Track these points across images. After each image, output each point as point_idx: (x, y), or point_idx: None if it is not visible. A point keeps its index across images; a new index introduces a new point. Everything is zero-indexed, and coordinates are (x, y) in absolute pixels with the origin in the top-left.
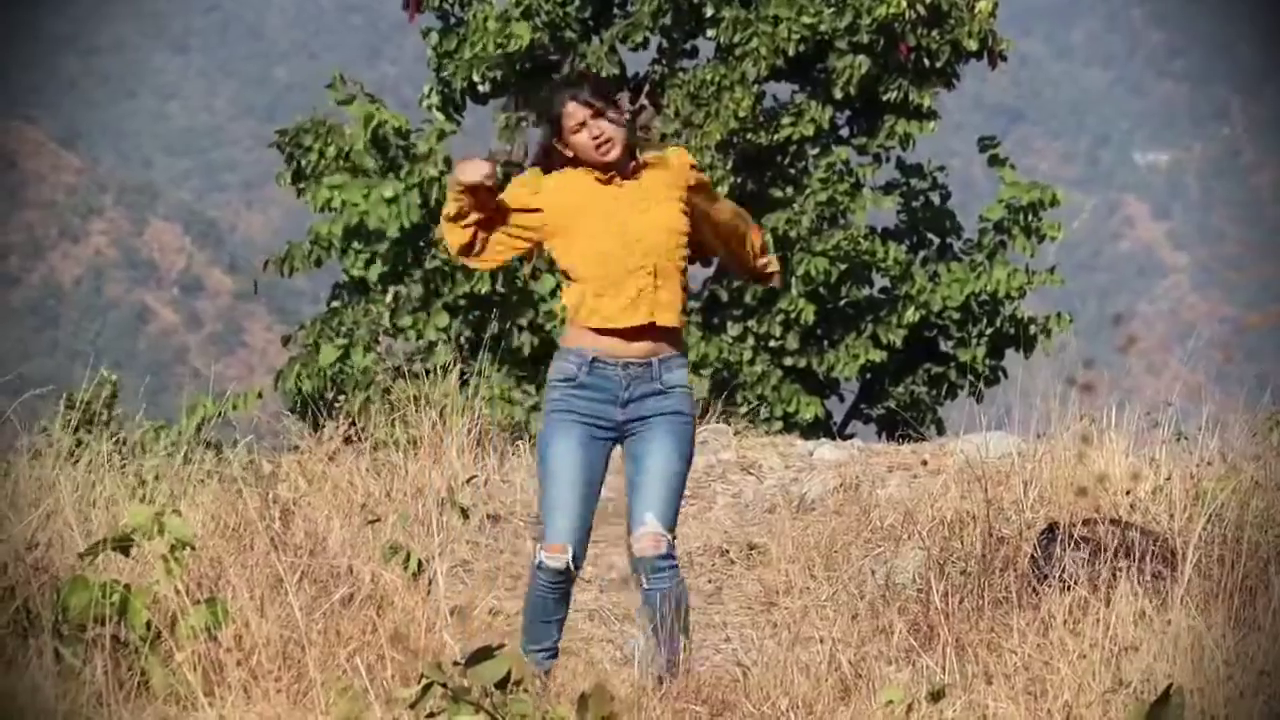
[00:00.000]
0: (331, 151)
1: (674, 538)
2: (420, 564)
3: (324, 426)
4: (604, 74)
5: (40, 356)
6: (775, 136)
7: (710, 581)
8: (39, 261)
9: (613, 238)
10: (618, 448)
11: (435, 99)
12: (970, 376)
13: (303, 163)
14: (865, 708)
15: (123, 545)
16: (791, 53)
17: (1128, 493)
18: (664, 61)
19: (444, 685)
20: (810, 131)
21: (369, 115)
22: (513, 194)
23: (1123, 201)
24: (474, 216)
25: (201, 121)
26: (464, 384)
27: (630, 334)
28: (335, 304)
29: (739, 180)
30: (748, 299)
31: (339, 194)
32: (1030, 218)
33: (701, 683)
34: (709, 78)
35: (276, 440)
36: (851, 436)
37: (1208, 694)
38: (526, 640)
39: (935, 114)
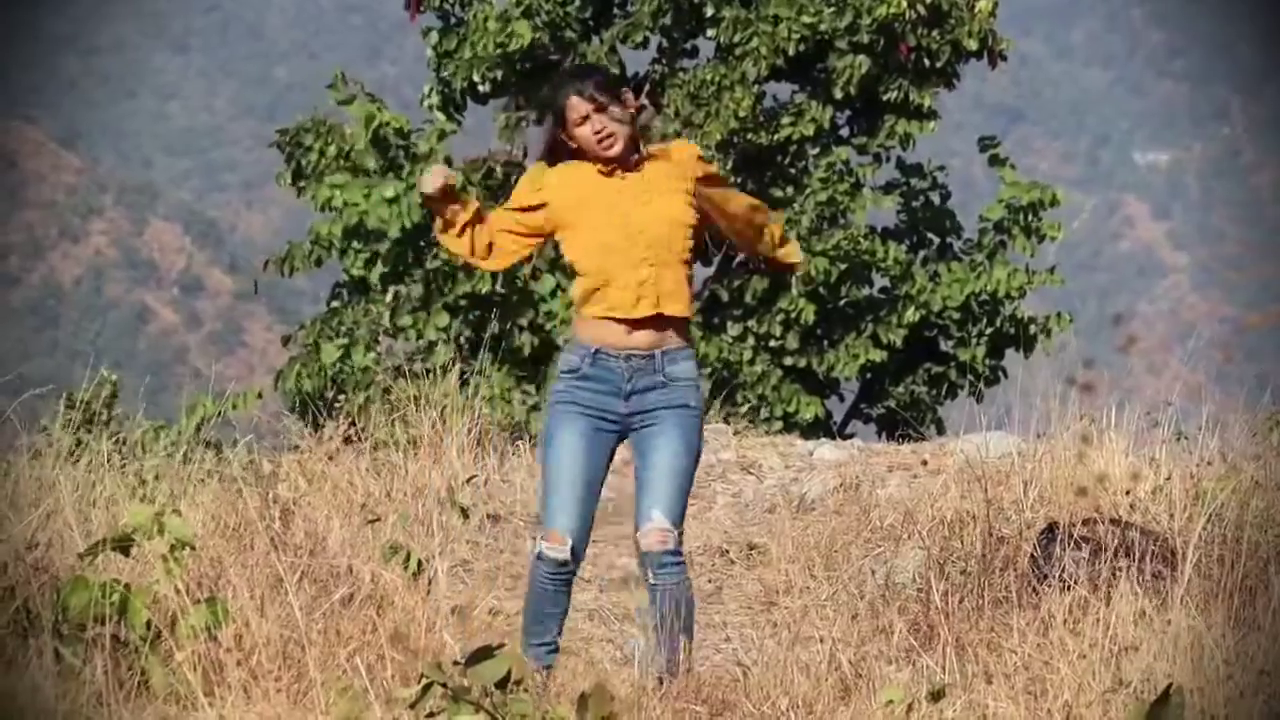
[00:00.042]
0: (332, 151)
1: (681, 533)
2: (420, 564)
3: (324, 426)
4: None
5: (40, 356)
6: (775, 136)
7: (710, 581)
8: (39, 261)
9: (615, 230)
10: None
11: (435, 99)
12: (970, 376)
13: (303, 162)
14: (865, 707)
15: (123, 545)
16: (792, 52)
17: (1128, 492)
18: (664, 61)
19: (444, 685)
20: (810, 131)
21: (370, 115)
22: (517, 194)
23: (1123, 201)
24: (461, 219)
25: (201, 121)
26: (464, 384)
27: (633, 325)
28: (335, 304)
29: (739, 180)
30: (748, 299)
31: (340, 193)
32: (1030, 218)
33: (701, 682)
34: (709, 77)
35: (276, 440)
36: (851, 436)
37: (1208, 693)
38: (526, 635)
39: (935, 114)
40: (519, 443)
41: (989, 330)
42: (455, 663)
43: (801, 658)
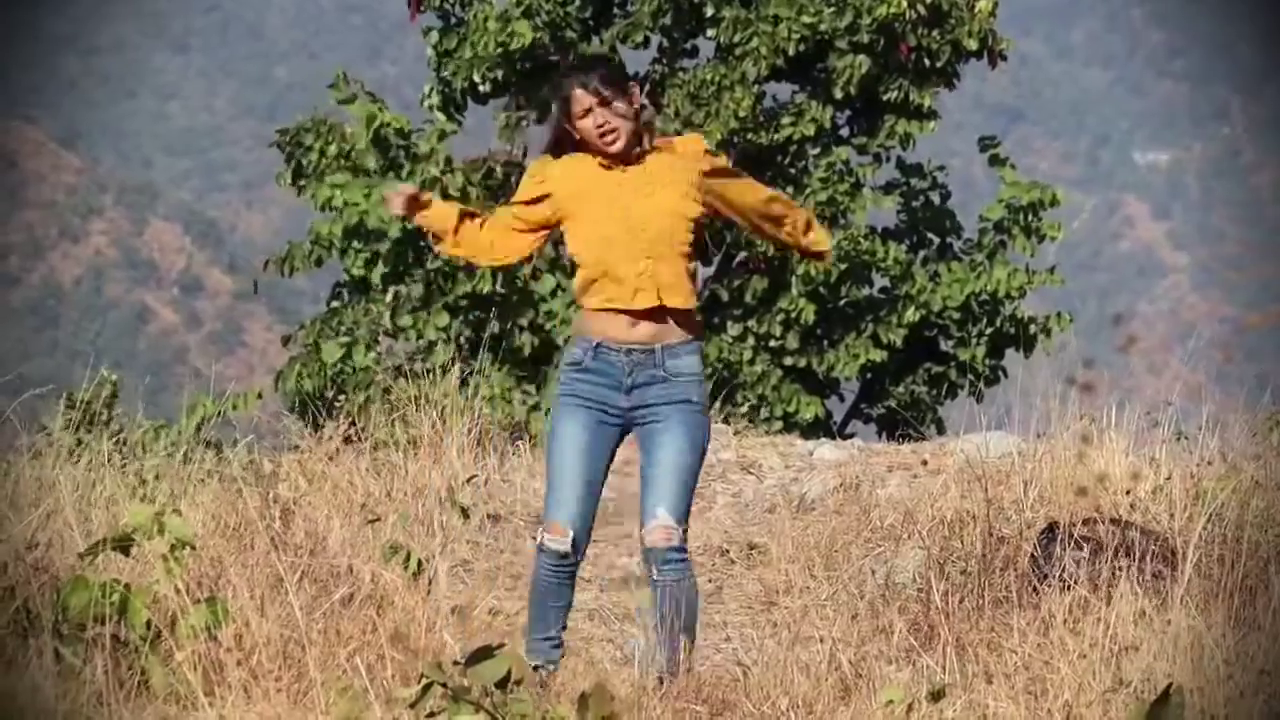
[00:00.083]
0: (333, 151)
1: (686, 530)
2: (420, 564)
3: (324, 426)
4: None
5: (40, 356)
6: (775, 136)
7: (710, 581)
8: (39, 261)
9: (615, 222)
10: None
11: (436, 99)
12: (970, 376)
13: (304, 162)
14: (865, 707)
15: (123, 545)
16: (792, 52)
17: (1128, 492)
18: (664, 61)
19: (444, 685)
20: (810, 131)
21: (370, 115)
22: (521, 187)
23: (1123, 201)
24: (449, 224)
25: (201, 121)
26: (464, 384)
27: (634, 318)
28: (335, 304)
29: None
30: (748, 298)
31: (340, 193)
32: (1030, 217)
33: (702, 682)
34: (709, 77)
35: (277, 440)
36: (852, 436)
37: (1208, 693)
38: (531, 629)
39: (935, 114)
40: (519, 443)
41: (989, 330)
42: (455, 663)
43: (802, 657)
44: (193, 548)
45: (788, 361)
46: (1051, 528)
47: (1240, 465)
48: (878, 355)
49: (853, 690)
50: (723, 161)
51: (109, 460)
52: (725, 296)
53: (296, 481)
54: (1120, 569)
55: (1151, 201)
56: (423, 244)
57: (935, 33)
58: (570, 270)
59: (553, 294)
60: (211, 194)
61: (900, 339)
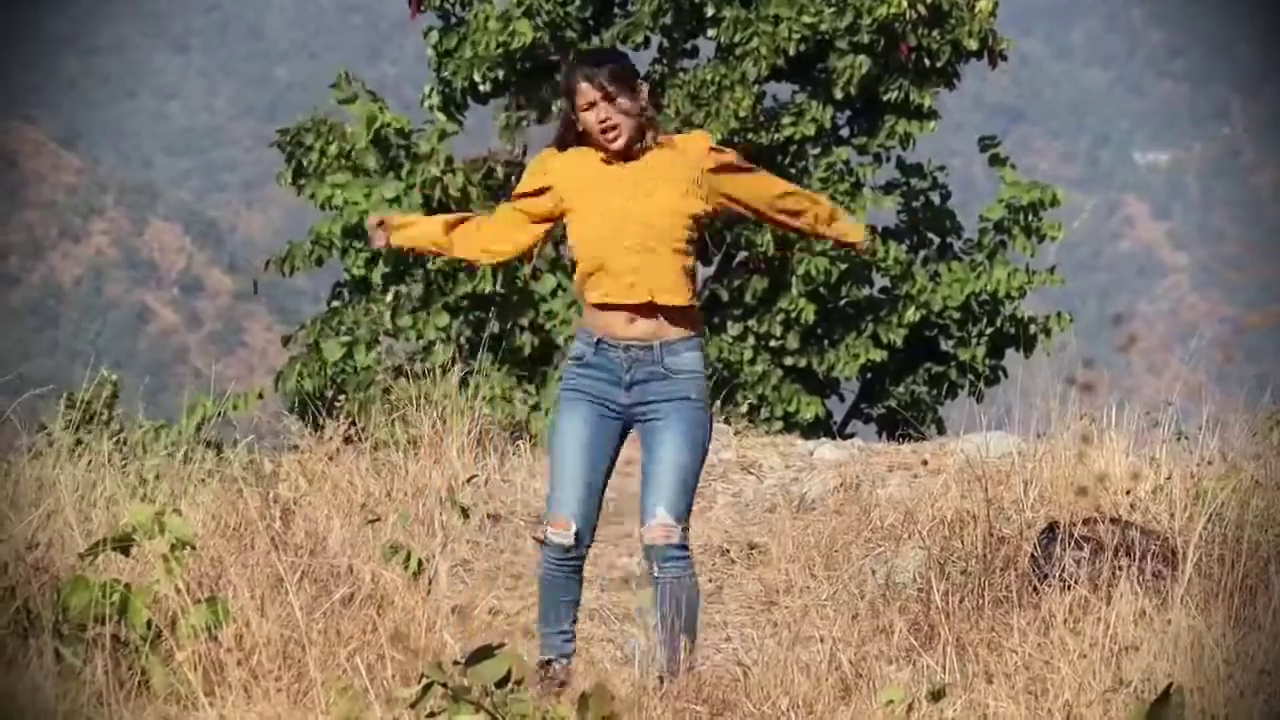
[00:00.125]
0: (333, 150)
1: (686, 528)
2: (420, 563)
3: (324, 426)
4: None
5: (40, 356)
6: (776, 136)
7: (711, 581)
8: (39, 261)
9: (610, 218)
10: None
11: (436, 99)
12: (970, 376)
13: (304, 162)
14: (866, 707)
15: (123, 545)
16: (792, 52)
17: (1128, 492)
18: (664, 61)
19: (444, 685)
20: (811, 131)
21: (371, 115)
22: (524, 178)
23: (1123, 201)
24: (438, 241)
25: (201, 121)
26: (464, 384)
27: (631, 315)
28: (335, 304)
29: None
30: (748, 298)
31: (341, 192)
32: (1030, 217)
33: (702, 682)
34: (709, 77)
35: (277, 440)
36: (852, 436)
37: (1208, 693)
38: (542, 624)
39: (935, 114)
40: (519, 442)
41: (989, 330)
42: (455, 662)
43: (802, 657)
44: (193, 548)
45: (788, 361)
46: (1052, 527)
47: (1240, 465)
48: (878, 355)
49: (853, 690)
50: (729, 157)
51: (109, 460)
52: (725, 296)
53: (297, 481)
54: (1120, 569)
55: (1151, 201)
56: None
57: (935, 33)
58: (570, 269)
59: (553, 294)
60: (212, 194)
61: (900, 339)
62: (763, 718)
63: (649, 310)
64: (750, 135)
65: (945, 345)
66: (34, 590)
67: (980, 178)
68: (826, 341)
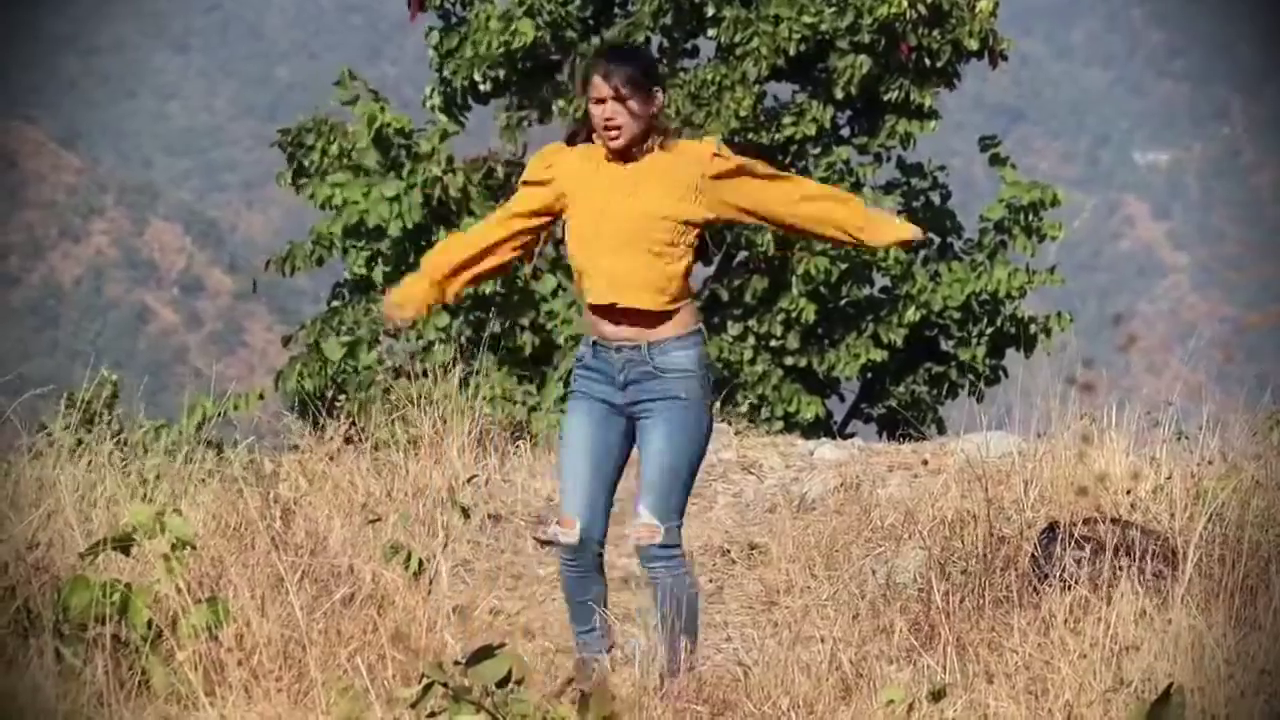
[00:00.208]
0: (334, 150)
1: (674, 526)
2: (421, 564)
3: (325, 426)
4: None
5: (40, 356)
6: (776, 136)
7: (711, 581)
8: (39, 261)
9: (593, 219)
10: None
11: (437, 99)
12: (971, 376)
13: (305, 162)
14: (866, 707)
15: (123, 545)
16: (792, 52)
17: (1128, 492)
18: (665, 61)
19: (445, 685)
20: (811, 131)
21: (372, 115)
22: (530, 166)
23: (1123, 201)
24: (450, 290)
25: (202, 121)
26: (465, 383)
27: (616, 316)
28: (336, 303)
29: None
30: (748, 298)
31: (341, 191)
32: (1031, 217)
33: (703, 682)
34: (710, 77)
35: (277, 440)
36: (852, 436)
37: (1208, 693)
38: (571, 625)
39: (936, 113)
40: (520, 442)
41: (989, 330)
42: (456, 662)
43: (802, 657)
44: (193, 547)
45: (788, 361)
46: (1052, 527)
47: (1241, 465)
48: (878, 355)
49: (853, 690)
50: (732, 164)
51: (109, 460)
52: (725, 296)
53: (297, 481)
54: (1121, 569)
55: (1151, 201)
56: (423, 243)
57: (936, 33)
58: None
59: (553, 294)
60: (212, 194)
61: (901, 339)
62: (763, 718)
63: (632, 312)
64: (751, 135)
65: (945, 345)
66: (34, 590)
67: (981, 177)
68: (827, 341)
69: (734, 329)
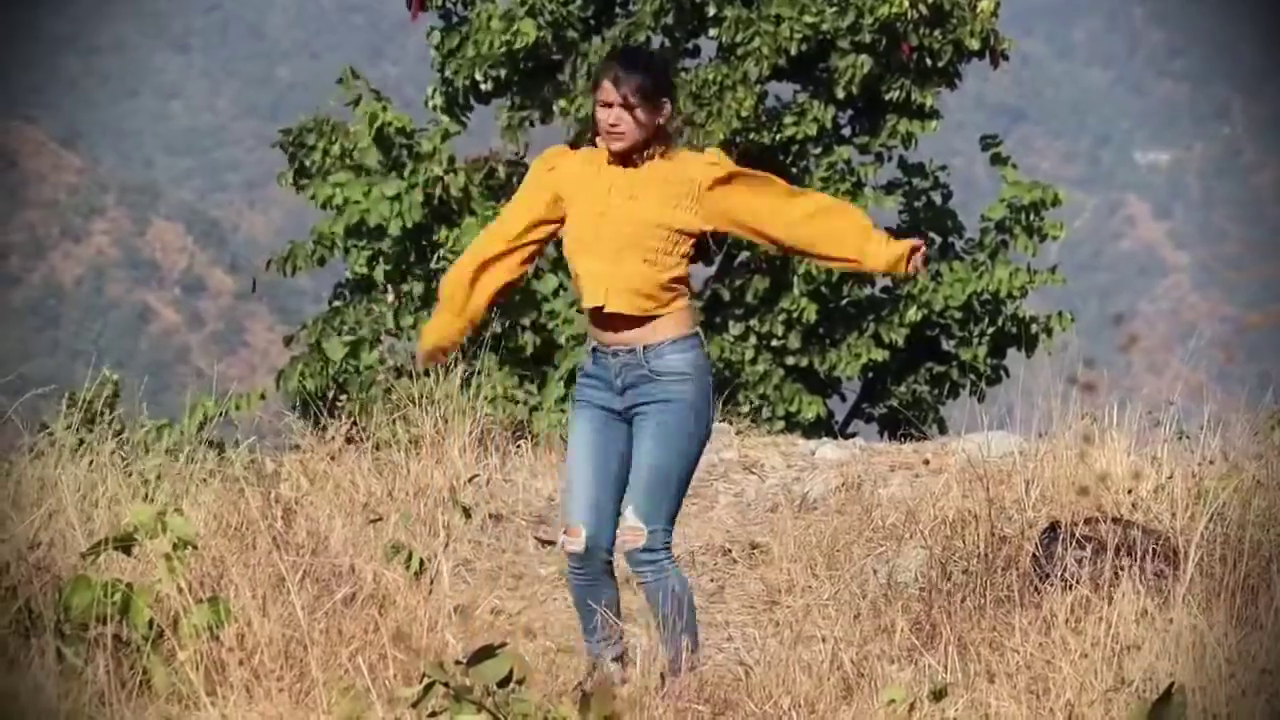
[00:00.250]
0: (336, 150)
1: (659, 530)
2: (422, 563)
3: (326, 426)
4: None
5: (41, 356)
6: (777, 136)
7: (713, 580)
8: (40, 261)
9: (590, 223)
10: None
11: (439, 99)
12: (972, 376)
13: (306, 162)
14: (867, 707)
15: (125, 544)
16: (793, 52)
17: (1129, 491)
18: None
19: (446, 684)
20: (812, 131)
21: (373, 114)
22: (533, 168)
23: (1124, 201)
24: (462, 314)
25: (203, 121)
26: (466, 383)
27: (612, 321)
28: (337, 303)
29: None
30: (749, 298)
31: (341, 191)
32: (1032, 217)
33: (704, 681)
34: (711, 77)
35: (279, 440)
36: (853, 436)
37: (1210, 692)
38: (581, 630)
39: (937, 113)
40: (521, 442)
41: (991, 330)
42: (457, 662)
43: (804, 657)
44: (195, 547)
45: (789, 361)
46: (1053, 527)
47: (1242, 464)
48: (879, 355)
49: (855, 689)
50: (722, 171)
51: (111, 460)
52: (727, 296)
53: (298, 481)
54: (1122, 568)
55: (1152, 201)
56: (424, 243)
57: (937, 32)
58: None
59: (555, 294)
60: (213, 194)
61: (902, 338)
62: (764, 717)
63: (618, 316)
64: (752, 135)
65: (947, 345)
66: (36, 590)
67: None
68: (828, 341)
69: (735, 329)
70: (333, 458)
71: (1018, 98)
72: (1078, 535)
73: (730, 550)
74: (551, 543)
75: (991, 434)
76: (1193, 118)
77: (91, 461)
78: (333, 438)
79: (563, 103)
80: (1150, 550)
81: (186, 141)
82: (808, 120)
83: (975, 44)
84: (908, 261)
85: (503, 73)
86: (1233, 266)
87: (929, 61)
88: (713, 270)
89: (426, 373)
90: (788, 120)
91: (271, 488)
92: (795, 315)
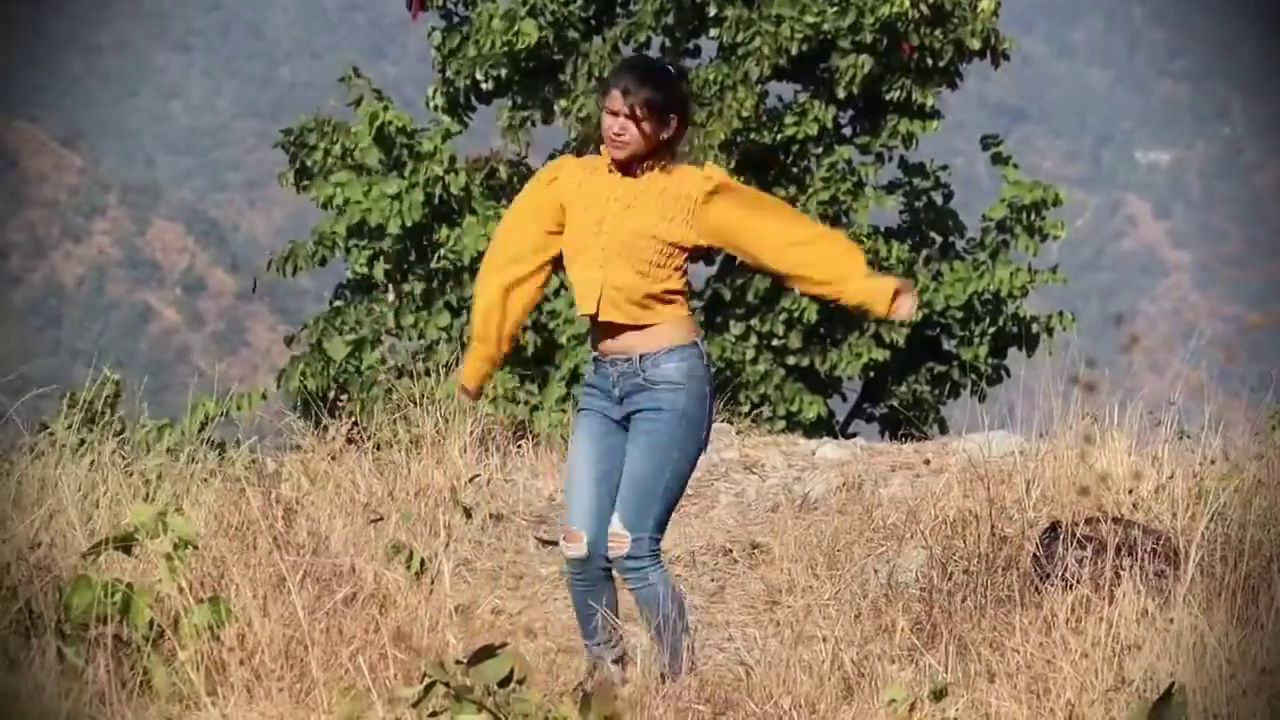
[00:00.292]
0: (337, 150)
1: (644, 537)
2: (423, 563)
3: (327, 426)
4: (606, 74)
5: (43, 356)
6: (778, 136)
7: (713, 580)
8: (41, 261)
9: (588, 230)
10: None
11: (440, 100)
12: (973, 375)
13: (308, 162)
14: (868, 706)
15: (125, 544)
16: (794, 52)
17: (1130, 491)
18: (665, 60)
19: (447, 684)
20: (813, 131)
21: (374, 114)
22: (536, 176)
23: (1125, 200)
24: (495, 342)
25: (204, 121)
26: None
27: (609, 329)
28: (338, 303)
29: (742, 180)
30: (750, 297)
31: (342, 191)
32: (1033, 217)
33: (704, 681)
34: (712, 77)
35: (279, 440)
36: (854, 435)
37: (1210, 692)
38: (581, 634)
39: (938, 113)
40: (522, 442)
41: (991, 329)
42: (458, 662)
43: (804, 657)
44: (195, 547)
45: (790, 361)
46: (1054, 527)
47: (1243, 464)
48: (880, 354)
49: (855, 689)
50: (712, 184)
51: (112, 460)
52: (728, 296)
53: (299, 481)
54: (1123, 568)
55: (1153, 200)
56: (425, 242)
57: (938, 32)
58: None
59: (556, 293)
60: (214, 194)
61: (903, 338)
62: (765, 717)
63: (611, 324)
64: (753, 135)
65: (948, 344)
66: (36, 590)
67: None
68: (829, 341)
69: (736, 328)
70: (334, 458)
71: (1019, 97)
72: (1078, 535)
73: (731, 550)
74: (553, 543)
75: (992, 434)
76: (1193, 117)
77: (92, 461)
78: (334, 438)
79: (564, 102)
80: (1151, 550)
81: (187, 141)
82: (808, 120)
83: (976, 44)
84: (892, 301)
85: (503, 72)
86: (1234, 266)
87: (930, 61)
88: (714, 269)
89: (427, 372)
90: (788, 120)
91: (272, 488)
92: (796, 315)
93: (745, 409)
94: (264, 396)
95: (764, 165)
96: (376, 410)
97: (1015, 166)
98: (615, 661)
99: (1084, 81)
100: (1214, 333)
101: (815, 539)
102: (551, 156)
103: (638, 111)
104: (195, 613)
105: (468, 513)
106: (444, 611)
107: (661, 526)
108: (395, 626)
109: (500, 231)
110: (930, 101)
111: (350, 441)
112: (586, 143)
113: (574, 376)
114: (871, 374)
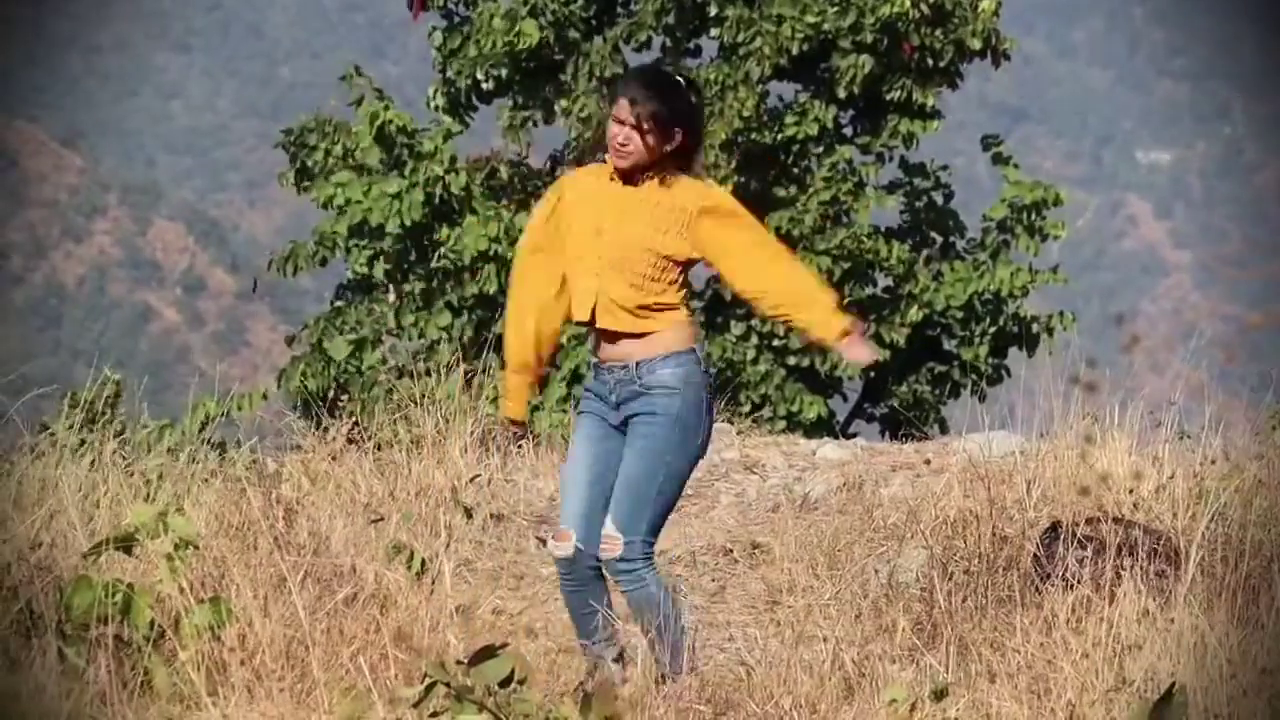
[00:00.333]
0: (337, 150)
1: (636, 540)
2: (424, 563)
3: (327, 426)
4: (606, 74)
5: (43, 356)
6: (779, 136)
7: (714, 580)
8: (42, 261)
9: (588, 237)
10: None
11: (441, 100)
12: (973, 375)
13: (308, 162)
14: (869, 706)
15: (126, 545)
16: (795, 52)
17: (1131, 491)
18: (667, 61)
19: (447, 684)
20: (814, 131)
21: (374, 113)
22: (542, 202)
23: (1125, 200)
24: (532, 365)
25: (204, 121)
26: (468, 383)
27: (607, 336)
28: (339, 303)
29: (743, 180)
30: None
31: (343, 191)
32: (1033, 217)
33: (705, 681)
34: (713, 77)
35: (280, 440)
36: (855, 436)
37: (1211, 692)
38: (576, 634)
39: (938, 113)
40: (522, 442)
41: (992, 329)
42: (459, 662)
43: (805, 657)
44: (196, 548)
45: (791, 361)
46: (1054, 527)
47: (1243, 464)
48: (880, 355)
49: (856, 689)
50: (709, 201)
51: (112, 460)
52: (728, 296)
53: (300, 481)
54: (1123, 568)
55: (1154, 200)
56: (425, 242)
57: (938, 32)
58: None
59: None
60: (214, 194)
61: (903, 338)
62: (766, 717)
63: (610, 330)
64: (754, 135)
65: (948, 344)
66: (37, 590)
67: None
68: None
69: (737, 329)
70: (334, 458)
71: (1019, 97)
72: (1079, 535)
73: (731, 550)
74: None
75: (993, 434)
76: (1194, 117)
77: (93, 461)
78: (334, 438)
79: (564, 102)
80: (1151, 550)
81: (187, 141)
82: (809, 120)
83: (977, 44)
84: (843, 337)
85: (504, 72)
86: (1234, 266)
87: (930, 61)
88: (714, 270)
89: (428, 372)
90: (789, 120)
91: (273, 488)
92: None
93: (746, 409)
94: (264, 396)
95: (765, 165)
96: (377, 410)
97: (1016, 166)
98: (615, 660)
99: (1084, 81)
100: (1214, 333)
101: (816, 539)
102: (552, 156)
103: (644, 124)
104: (196, 613)
105: (468, 513)
106: (445, 612)
107: (655, 530)
108: (396, 627)
109: (519, 274)
110: (931, 101)
111: (351, 441)
112: (587, 145)
113: (574, 377)
114: (872, 374)
